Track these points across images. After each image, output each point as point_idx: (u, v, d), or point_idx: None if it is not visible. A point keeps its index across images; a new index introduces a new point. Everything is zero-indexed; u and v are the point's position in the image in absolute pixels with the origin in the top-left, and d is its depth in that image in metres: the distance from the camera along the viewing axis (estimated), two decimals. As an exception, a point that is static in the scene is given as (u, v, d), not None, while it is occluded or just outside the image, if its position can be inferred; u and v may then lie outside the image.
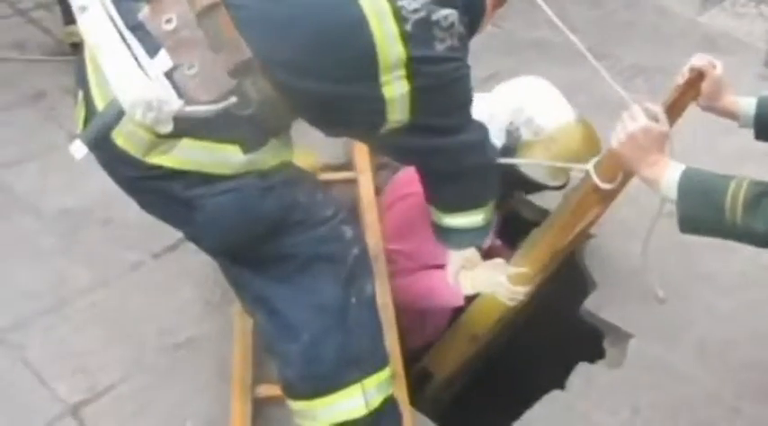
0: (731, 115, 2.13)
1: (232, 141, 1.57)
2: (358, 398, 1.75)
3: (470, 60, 1.80)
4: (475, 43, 1.83)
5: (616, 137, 1.88)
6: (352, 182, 2.67)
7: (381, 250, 2.38)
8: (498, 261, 2.29)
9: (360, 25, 1.54)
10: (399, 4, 1.57)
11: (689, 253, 2.67)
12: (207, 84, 1.50)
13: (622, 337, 2.48)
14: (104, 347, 2.33)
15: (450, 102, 1.75)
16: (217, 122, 1.52)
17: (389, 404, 1.83)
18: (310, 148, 2.70)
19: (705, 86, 2.08)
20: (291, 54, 1.55)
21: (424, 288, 2.38)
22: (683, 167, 1.80)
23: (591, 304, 2.58)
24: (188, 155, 1.56)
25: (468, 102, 1.82)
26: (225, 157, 1.58)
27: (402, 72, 1.59)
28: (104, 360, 2.29)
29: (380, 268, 2.34)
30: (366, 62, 1.57)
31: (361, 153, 2.72)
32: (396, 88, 1.60)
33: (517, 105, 2.26)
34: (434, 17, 1.60)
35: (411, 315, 2.50)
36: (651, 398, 2.30)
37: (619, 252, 2.70)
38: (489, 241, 2.47)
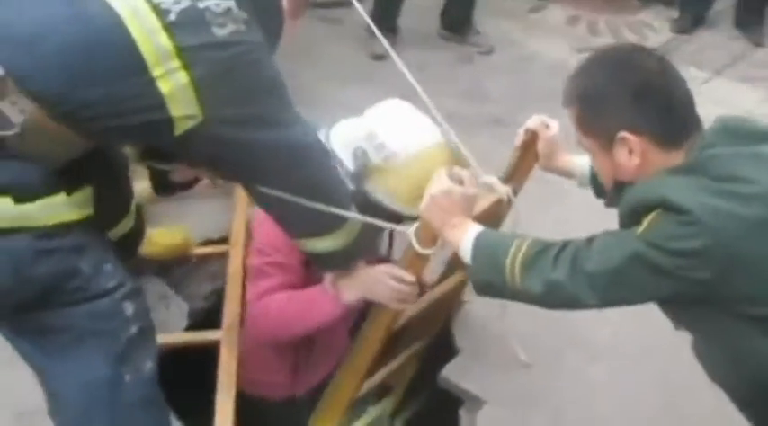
0: (569, 174, 2.11)
1: (2, 191, 1.54)
2: None
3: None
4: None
5: (424, 201, 1.86)
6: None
7: (237, 321, 2.41)
8: (381, 267, 2.08)
9: (113, 29, 1.49)
10: (156, 1, 1.53)
11: (562, 317, 2.64)
12: None
13: (479, 404, 2.46)
14: None
15: (249, 88, 1.63)
16: None
17: None
18: (191, 224, 2.81)
19: (539, 147, 2.07)
20: (47, 68, 1.48)
21: (301, 303, 2.16)
22: (479, 230, 1.79)
23: (453, 371, 2.56)
24: None
25: (276, 87, 1.70)
26: None
27: (176, 63, 1.51)
28: None
29: (232, 337, 2.38)
30: (131, 60, 1.49)
31: (238, 225, 2.79)
32: (173, 81, 1.52)
33: (370, 130, 2.09)
34: (201, 5, 1.56)
35: (296, 349, 2.41)
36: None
37: (488, 318, 2.68)
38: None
